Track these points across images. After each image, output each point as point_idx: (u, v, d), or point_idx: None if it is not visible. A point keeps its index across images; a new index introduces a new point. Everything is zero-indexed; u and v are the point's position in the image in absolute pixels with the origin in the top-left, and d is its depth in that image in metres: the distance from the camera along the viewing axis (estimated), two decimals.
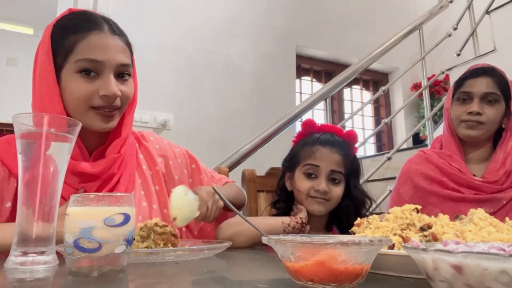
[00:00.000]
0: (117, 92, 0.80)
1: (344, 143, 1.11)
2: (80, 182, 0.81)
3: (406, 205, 0.60)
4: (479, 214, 0.56)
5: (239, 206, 1.09)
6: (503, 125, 1.25)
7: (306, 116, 2.35)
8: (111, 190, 0.84)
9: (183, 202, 0.79)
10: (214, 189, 0.76)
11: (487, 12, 2.82)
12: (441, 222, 0.55)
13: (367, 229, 0.59)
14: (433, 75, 2.81)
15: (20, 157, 0.54)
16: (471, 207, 0.66)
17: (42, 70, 0.80)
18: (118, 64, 0.81)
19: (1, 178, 0.76)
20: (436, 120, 3.13)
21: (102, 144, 0.87)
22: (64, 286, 0.46)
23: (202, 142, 2.64)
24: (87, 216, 0.48)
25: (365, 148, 3.74)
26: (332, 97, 2.64)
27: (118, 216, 0.49)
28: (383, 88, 2.44)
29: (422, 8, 3.25)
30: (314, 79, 3.75)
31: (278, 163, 1.24)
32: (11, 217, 0.74)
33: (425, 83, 2.69)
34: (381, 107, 3.96)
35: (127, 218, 0.50)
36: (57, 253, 0.54)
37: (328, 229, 1.12)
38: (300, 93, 3.59)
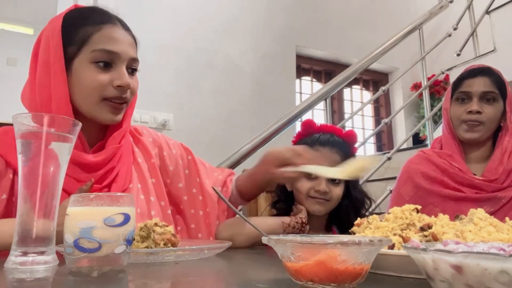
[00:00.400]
0: (130, 83, 0.82)
1: (344, 143, 1.11)
2: (82, 172, 0.81)
3: (406, 205, 0.60)
4: (479, 214, 0.56)
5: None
6: (501, 124, 1.25)
7: (306, 116, 2.35)
8: (111, 183, 0.84)
9: None
10: (214, 189, 0.76)
11: (487, 12, 2.82)
12: (441, 222, 0.55)
13: (367, 229, 0.59)
14: (433, 75, 2.82)
15: (20, 157, 0.54)
16: (472, 207, 0.66)
17: (50, 60, 0.80)
18: (130, 57, 0.83)
19: None
20: (436, 120, 3.13)
21: (102, 139, 0.88)
22: (64, 286, 0.46)
23: (202, 142, 2.64)
24: (87, 216, 0.48)
25: (365, 148, 3.74)
26: (332, 97, 2.64)
27: (118, 216, 0.49)
28: (383, 88, 2.44)
29: (422, 8, 3.25)
30: (314, 79, 3.75)
31: None
32: (6, 209, 0.74)
33: (425, 83, 2.69)
34: (381, 107, 3.96)
35: (127, 218, 0.50)
36: (57, 253, 0.54)
37: (327, 229, 1.12)
38: (300, 93, 3.59)
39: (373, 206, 2.08)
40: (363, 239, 0.43)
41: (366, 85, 4.00)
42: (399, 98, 3.81)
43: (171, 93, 2.76)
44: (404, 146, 2.74)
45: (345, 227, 1.02)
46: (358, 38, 3.61)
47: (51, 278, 0.48)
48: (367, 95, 3.96)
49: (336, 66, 3.67)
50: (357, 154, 1.15)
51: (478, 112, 1.20)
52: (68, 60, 0.80)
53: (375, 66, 3.31)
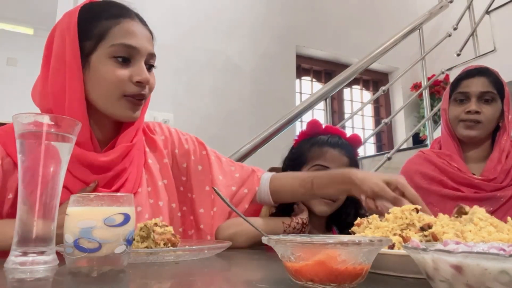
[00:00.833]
0: (150, 78, 0.80)
1: (350, 146, 1.12)
2: (91, 174, 0.78)
3: (406, 205, 0.60)
4: (479, 214, 0.56)
5: None
6: (500, 124, 1.26)
7: (306, 116, 2.35)
8: (119, 188, 0.81)
9: None
10: (214, 190, 0.75)
11: (487, 12, 2.82)
12: (441, 222, 0.55)
13: (367, 229, 0.59)
14: (433, 75, 2.81)
15: (20, 157, 0.54)
16: (471, 206, 0.66)
17: (66, 55, 0.77)
18: (148, 52, 0.81)
19: (6, 171, 0.74)
20: (436, 120, 3.13)
21: (115, 136, 0.84)
22: (64, 286, 0.46)
23: None
24: (87, 216, 0.48)
25: (365, 148, 3.74)
26: (332, 97, 2.64)
27: (118, 216, 0.49)
28: (383, 88, 2.44)
29: (422, 8, 3.25)
30: (314, 79, 3.75)
31: (278, 163, 1.24)
32: (12, 209, 0.73)
33: (425, 83, 2.69)
34: (381, 107, 3.96)
35: (127, 218, 0.50)
36: (57, 253, 0.54)
37: (327, 229, 1.13)
38: (300, 93, 3.59)
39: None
40: (363, 239, 0.43)
41: (366, 85, 4.00)
42: (399, 98, 3.81)
43: (171, 93, 2.76)
44: (404, 146, 2.74)
45: (345, 227, 1.02)
46: (358, 38, 3.60)
47: (51, 278, 0.48)
48: (367, 95, 3.96)
49: (336, 66, 3.67)
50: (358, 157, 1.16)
51: (477, 112, 1.21)
52: (85, 56, 0.78)
53: (375, 66, 3.31)
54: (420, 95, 2.78)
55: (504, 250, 0.36)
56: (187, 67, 2.86)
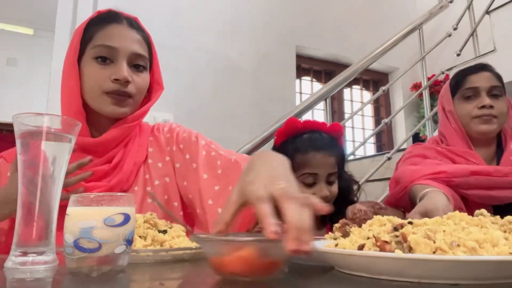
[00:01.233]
0: (127, 77, 0.83)
1: (334, 141, 1.11)
2: (85, 156, 0.81)
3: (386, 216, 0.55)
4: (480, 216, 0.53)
5: None
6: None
7: (306, 116, 2.35)
8: (115, 175, 0.85)
9: None
10: (150, 194, 0.77)
11: (487, 12, 2.82)
12: (419, 221, 0.49)
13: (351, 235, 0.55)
14: (433, 75, 2.82)
15: (20, 157, 0.54)
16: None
17: (68, 64, 0.86)
18: (131, 52, 0.85)
19: None
20: (436, 120, 3.12)
21: None
22: (64, 286, 0.46)
23: None
24: (87, 216, 0.48)
25: (365, 148, 3.74)
26: (332, 97, 2.64)
27: (118, 216, 0.49)
28: (383, 88, 2.44)
29: (422, 8, 3.25)
30: (314, 79, 3.75)
31: None
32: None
33: (425, 83, 2.69)
34: (381, 107, 3.96)
35: (127, 218, 0.50)
36: (57, 253, 0.54)
37: (323, 225, 1.12)
38: (300, 93, 3.59)
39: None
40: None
41: (366, 85, 4.00)
42: (399, 98, 3.81)
43: (171, 93, 2.76)
44: (404, 146, 2.74)
45: (336, 216, 1.01)
46: (358, 38, 3.60)
47: (51, 278, 0.48)
48: (367, 95, 3.96)
49: (336, 66, 3.67)
50: (343, 146, 1.14)
51: (491, 107, 1.15)
52: (79, 60, 0.85)
53: (375, 66, 3.31)
54: (420, 95, 2.78)
55: None
56: (187, 67, 2.87)
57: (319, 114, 3.20)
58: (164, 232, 0.67)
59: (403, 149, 2.65)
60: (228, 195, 0.87)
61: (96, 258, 0.47)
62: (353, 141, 3.71)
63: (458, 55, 2.76)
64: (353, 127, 3.76)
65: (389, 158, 2.25)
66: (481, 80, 1.18)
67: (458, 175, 1.07)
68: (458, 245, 0.41)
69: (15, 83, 4.82)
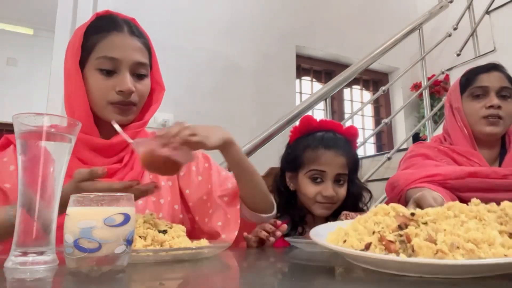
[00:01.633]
0: (131, 88, 0.85)
1: (347, 143, 1.09)
2: (98, 156, 0.87)
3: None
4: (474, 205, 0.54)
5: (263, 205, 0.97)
6: None
7: None
8: (125, 166, 0.89)
9: None
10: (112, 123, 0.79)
11: (487, 12, 2.82)
12: (426, 218, 0.50)
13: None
14: (433, 75, 2.81)
15: (20, 158, 0.54)
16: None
17: (71, 69, 0.86)
18: (134, 62, 0.86)
19: None
20: (436, 120, 3.12)
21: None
22: (64, 286, 0.46)
23: None
24: (87, 216, 0.48)
25: (365, 148, 3.74)
26: (332, 97, 2.64)
27: (118, 216, 0.49)
28: (383, 88, 2.44)
29: (422, 8, 3.25)
30: (314, 79, 3.75)
31: (278, 163, 1.23)
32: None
33: (425, 83, 2.69)
34: (381, 107, 3.96)
35: (127, 218, 0.50)
36: (57, 253, 0.54)
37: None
38: (300, 93, 3.59)
39: (373, 205, 2.08)
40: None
41: (366, 85, 4.00)
42: (399, 98, 3.81)
43: (171, 93, 2.75)
44: (404, 146, 2.73)
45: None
46: (358, 38, 3.60)
47: (51, 278, 0.48)
48: (367, 95, 3.96)
49: (336, 66, 3.67)
50: (357, 151, 1.13)
51: (499, 107, 1.14)
52: (81, 65, 0.86)
53: (375, 66, 3.31)
54: (420, 95, 2.78)
55: None
56: (187, 68, 2.86)
57: (319, 114, 3.20)
58: (164, 232, 0.67)
59: (403, 149, 2.65)
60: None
61: (96, 258, 0.47)
62: None
63: (458, 55, 2.76)
64: None
65: (389, 158, 2.25)
66: (491, 80, 1.17)
67: (453, 177, 1.07)
68: (458, 247, 0.44)
69: (15, 83, 4.82)
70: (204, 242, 0.70)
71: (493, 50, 2.67)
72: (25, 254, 0.50)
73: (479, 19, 2.83)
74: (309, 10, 3.51)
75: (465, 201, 1.02)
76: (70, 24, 2.56)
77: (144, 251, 0.61)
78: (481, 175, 1.07)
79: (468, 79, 1.23)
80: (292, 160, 1.11)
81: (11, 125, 0.55)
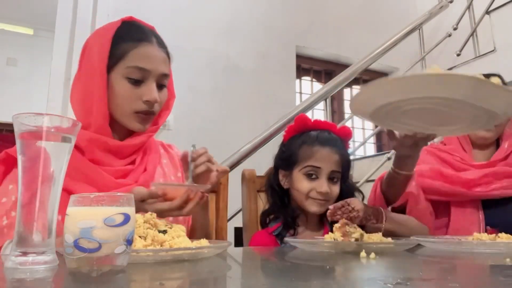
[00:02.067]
0: (158, 99, 0.90)
1: (341, 141, 1.12)
2: (114, 158, 0.90)
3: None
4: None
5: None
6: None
7: None
8: (138, 168, 0.92)
9: None
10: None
11: (487, 12, 2.82)
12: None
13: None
14: None
15: (20, 157, 0.54)
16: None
17: (96, 71, 0.88)
18: (160, 73, 0.91)
19: None
20: None
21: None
22: (64, 286, 0.46)
23: (202, 142, 2.61)
24: (87, 216, 0.48)
25: (365, 148, 3.74)
26: (332, 97, 2.64)
27: (118, 216, 0.49)
28: None
29: (422, 8, 3.25)
30: (314, 79, 3.75)
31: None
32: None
33: None
34: None
35: (127, 218, 0.50)
36: (57, 253, 0.54)
37: (321, 226, 1.13)
38: (300, 93, 3.59)
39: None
40: None
41: None
42: None
43: None
44: None
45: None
46: (358, 38, 3.60)
47: (51, 278, 0.48)
48: None
49: (336, 66, 3.67)
50: (349, 150, 1.16)
51: None
52: (107, 72, 0.89)
53: (375, 66, 3.31)
54: None
55: None
56: (187, 68, 2.86)
57: (319, 114, 3.20)
58: (164, 232, 0.67)
59: None
60: None
61: (96, 258, 0.47)
62: (353, 141, 3.71)
63: (458, 55, 2.76)
64: (353, 127, 3.76)
65: (389, 158, 2.26)
66: None
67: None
68: None
69: (15, 83, 4.81)
70: (204, 242, 0.70)
71: (493, 50, 2.67)
72: (25, 254, 0.50)
73: (479, 19, 2.83)
74: (309, 10, 3.51)
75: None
76: (70, 24, 2.56)
77: (144, 251, 0.61)
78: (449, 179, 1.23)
79: None
80: (287, 157, 1.12)
81: (11, 125, 0.55)
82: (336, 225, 0.85)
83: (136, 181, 0.90)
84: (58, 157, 0.55)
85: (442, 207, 1.25)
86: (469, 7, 2.90)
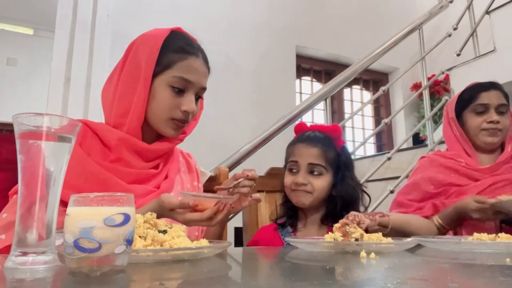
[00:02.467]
0: (196, 110, 0.96)
1: (324, 137, 1.15)
2: (141, 160, 0.94)
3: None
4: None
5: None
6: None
7: (306, 116, 2.35)
8: (160, 173, 0.96)
9: None
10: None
11: (487, 12, 2.82)
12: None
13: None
14: (433, 75, 2.81)
15: (20, 157, 0.54)
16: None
17: (143, 75, 0.91)
18: (201, 86, 0.98)
19: (78, 156, 0.84)
20: (436, 120, 3.12)
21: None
22: (64, 286, 0.46)
23: (202, 142, 2.63)
24: (87, 216, 0.48)
25: (365, 148, 3.74)
26: (332, 97, 2.63)
27: (118, 216, 0.49)
28: (383, 88, 2.44)
29: (422, 8, 3.25)
30: (314, 79, 3.75)
31: (278, 163, 1.25)
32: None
33: (425, 83, 2.69)
34: (381, 107, 3.96)
35: (127, 218, 0.50)
36: (57, 253, 0.54)
37: (324, 223, 1.13)
38: (300, 93, 3.59)
39: (373, 205, 2.08)
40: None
41: (366, 85, 4.00)
42: (399, 98, 3.81)
43: None
44: (404, 146, 2.74)
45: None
46: (358, 38, 3.61)
47: (51, 278, 0.48)
48: (367, 95, 3.96)
49: (336, 66, 3.67)
50: (343, 147, 1.17)
51: (497, 122, 1.34)
52: (152, 76, 0.92)
53: (375, 66, 3.31)
54: (420, 95, 2.78)
55: None
56: None
57: (319, 114, 3.20)
58: (164, 232, 0.67)
59: (403, 149, 2.66)
60: None
61: (96, 258, 0.47)
62: (353, 141, 3.71)
63: (458, 55, 2.75)
64: (353, 127, 3.76)
65: (389, 158, 2.25)
66: (492, 98, 1.36)
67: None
68: None
69: (15, 83, 4.81)
70: (204, 242, 0.70)
71: (493, 50, 2.67)
72: (25, 254, 0.50)
73: (479, 19, 2.83)
74: (309, 10, 3.51)
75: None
76: (70, 24, 2.56)
77: (144, 251, 0.61)
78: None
79: (471, 96, 1.40)
80: (285, 159, 1.22)
81: (11, 125, 0.55)
82: (336, 225, 0.86)
83: (157, 187, 0.94)
84: (58, 157, 0.55)
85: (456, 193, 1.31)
86: (469, 7, 2.90)
